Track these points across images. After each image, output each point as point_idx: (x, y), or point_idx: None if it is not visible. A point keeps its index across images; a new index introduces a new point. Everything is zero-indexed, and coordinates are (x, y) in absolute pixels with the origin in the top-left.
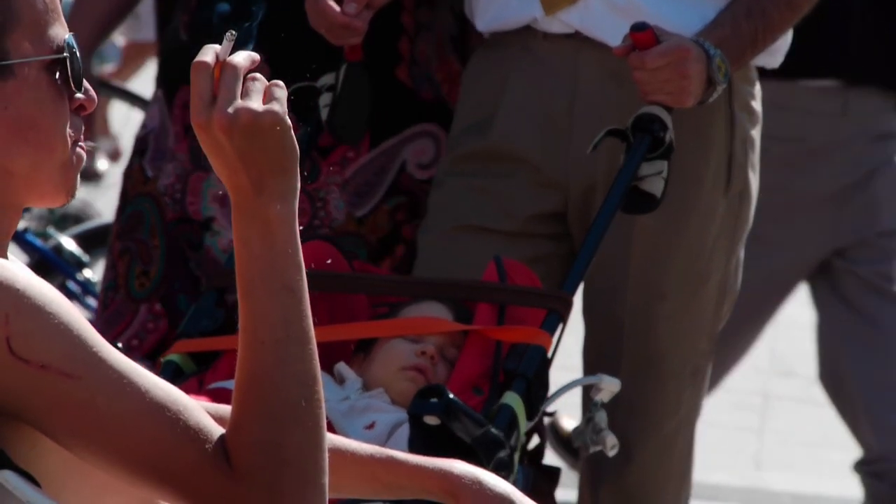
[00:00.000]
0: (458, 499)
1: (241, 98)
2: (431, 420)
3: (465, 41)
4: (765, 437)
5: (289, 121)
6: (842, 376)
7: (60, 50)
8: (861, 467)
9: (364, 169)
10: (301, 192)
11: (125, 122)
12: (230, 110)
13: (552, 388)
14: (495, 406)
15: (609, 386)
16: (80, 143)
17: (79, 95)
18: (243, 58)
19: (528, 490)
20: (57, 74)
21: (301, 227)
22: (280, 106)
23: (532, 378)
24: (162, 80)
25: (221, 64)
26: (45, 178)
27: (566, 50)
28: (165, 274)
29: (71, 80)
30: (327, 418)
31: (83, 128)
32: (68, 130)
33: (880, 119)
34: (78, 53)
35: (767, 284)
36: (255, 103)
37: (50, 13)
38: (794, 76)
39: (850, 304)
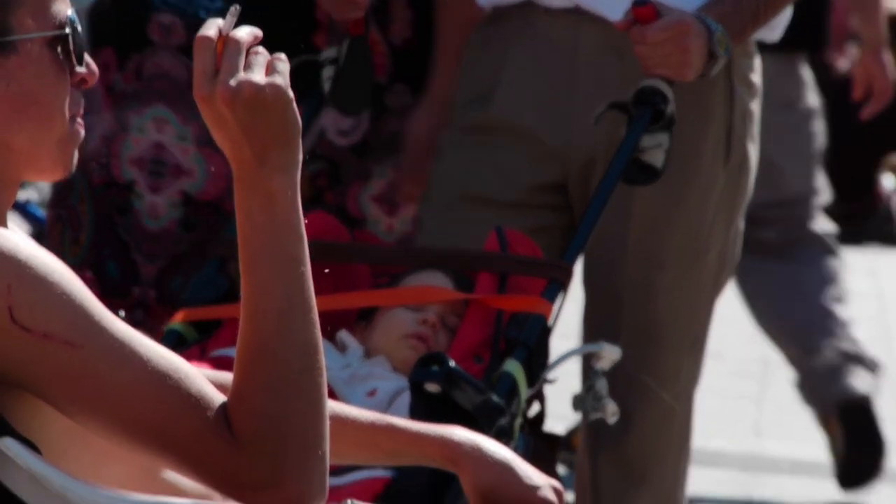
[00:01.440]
0: (458, 465)
1: (244, 71)
2: (432, 387)
3: (387, 10)
4: (764, 405)
5: (291, 94)
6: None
7: (63, 25)
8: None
9: None
10: (218, 154)
11: None
12: (233, 83)
13: (552, 357)
14: (496, 374)
15: (609, 354)
16: (77, 119)
17: (80, 69)
18: (246, 32)
19: (528, 457)
20: (59, 50)
21: (217, 191)
22: (282, 79)
23: (533, 346)
24: (90, 43)
25: (224, 38)
26: (45, 153)
27: (567, 24)
28: (94, 240)
29: (73, 55)
30: (329, 385)
31: (82, 102)
32: (67, 105)
33: (783, 86)
34: (80, 29)
35: None
36: (258, 76)
37: None
38: None
39: (755, 267)
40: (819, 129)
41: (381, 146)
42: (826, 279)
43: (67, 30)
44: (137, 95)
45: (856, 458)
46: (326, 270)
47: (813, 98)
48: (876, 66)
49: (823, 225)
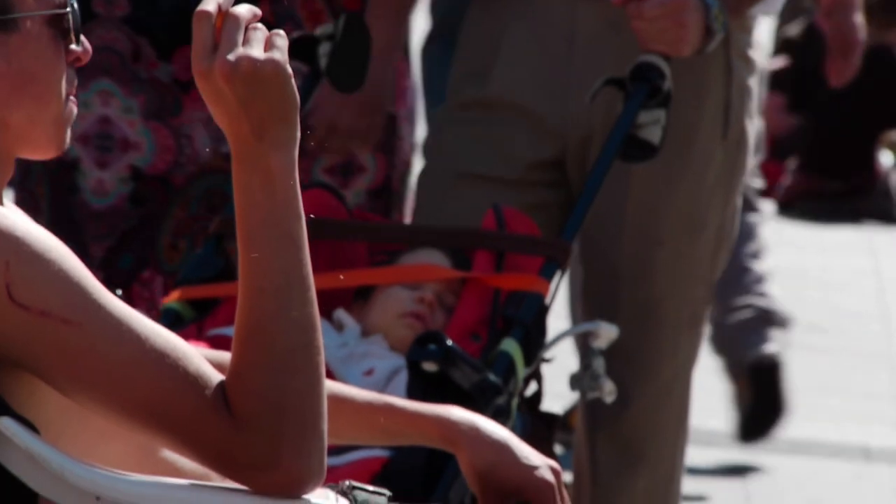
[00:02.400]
0: (455, 445)
1: (243, 47)
2: (429, 366)
3: None
4: None
5: (289, 69)
6: None
7: (64, 4)
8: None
9: None
10: (165, 127)
11: None
12: (231, 58)
13: (550, 335)
14: (493, 353)
15: (607, 333)
16: (71, 97)
17: (75, 48)
18: (245, 9)
19: (525, 436)
20: (57, 28)
21: (165, 165)
22: (281, 54)
23: (530, 325)
24: None
25: (224, 14)
26: (41, 131)
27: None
28: (51, 223)
29: (71, 33)
30: (326, 365)
31: (75, 81)
32: (64, 84)
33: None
34: (76, 6)
35: None
36: (257, 51)
37: None
38: None
39: None
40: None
41: None
42: (743, 235)
43: (68, 8)
44: (81, 69)
45: (759, 416)
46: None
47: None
48: (847, 27)
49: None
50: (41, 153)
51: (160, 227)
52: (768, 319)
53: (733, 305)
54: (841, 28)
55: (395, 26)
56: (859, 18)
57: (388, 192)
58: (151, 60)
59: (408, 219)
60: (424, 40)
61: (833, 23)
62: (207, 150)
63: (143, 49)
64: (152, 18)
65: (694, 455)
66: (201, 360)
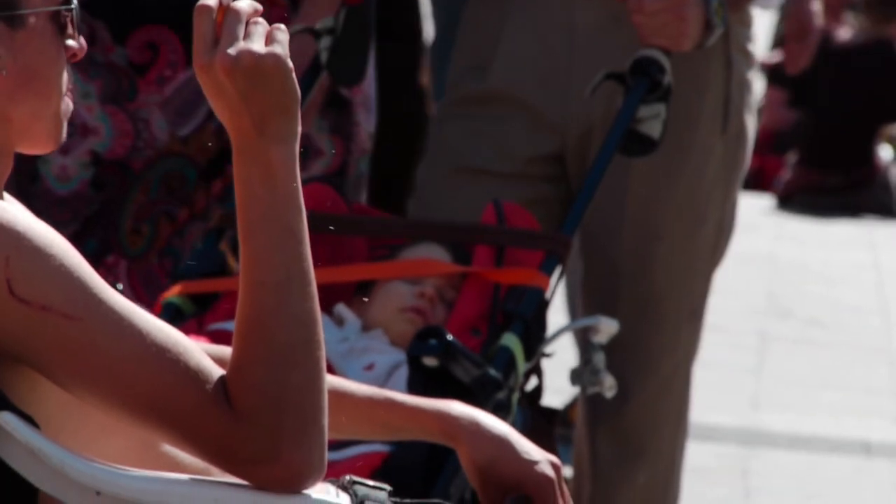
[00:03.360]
0: (456, 440)
1: (244, 40)
2: (430, 361)
3: None
4: (762, 378)
5: (290, 63)
6: None
7: (67, 0)
8: None
9: (183, 87)
10: (122, 112)
11: None
12: (233, 52)
13: (549, 330)
14: (493, 347)
15: (607, 328)
16: (67, 92)
17: (72, 44)
18: (246, 3)
19: (526, 431)
20: (58, 24)
21: (123, 149)
22: (282, 48)
23: (530, 319)
24: None
25: (224, 8)
26: (41, 127)
27: None
28: None
29: (75, 29)
30: (326, 359)
31: (71, 76)
32: (64, 80)
33: None
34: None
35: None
36: (258, 45)
37: None
38: None
39: None
40: None
41: None
42: None
43: (73, 4)
44: None
45: None
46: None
47: None
48: (803, 14)
49: None
50: (39, 148)
51: (122, 212)
52: None
53: None
54: (797, 14)
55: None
56: (816, 6)
57: (343, 177)
58: (107, 44)
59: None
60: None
61: (791, 9)
62: (164, 133)
63: (99, 33)
64: (107, 1)
65: (693, 449)
66: (202, 354)
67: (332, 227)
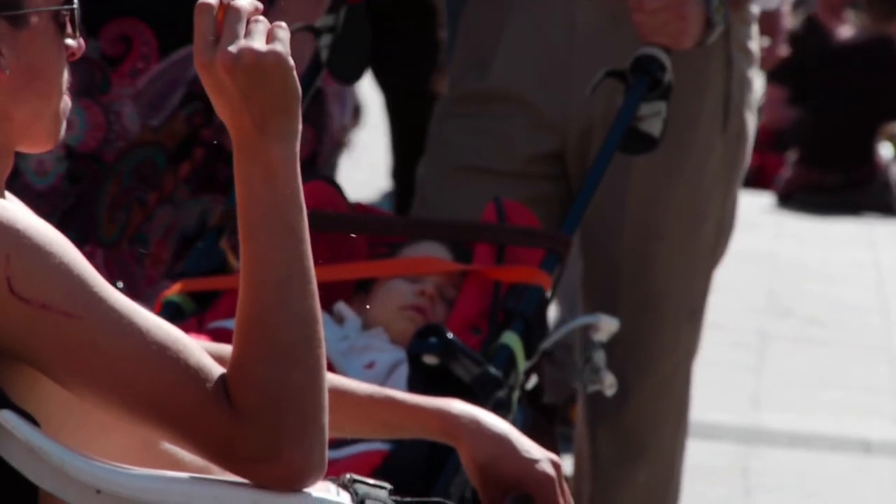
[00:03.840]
0: (456, 438)
1: (245, 38)
2: (430, 359)
3: None
4: (762, 377)
5: (291, 62)
6: None
7: (69, 1)
8: None
9: (156, 79)
10: (96, 105)
11: None
12: (234, 50)
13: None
14: (494, 346)
15: (607, 326)
16: (65, 91)
17: (71, 43)
18: (247, 2)
19: (526, 429)
20: (59, 23)
21: (95, 142)
22: (283, 46)
23: (531, 318)
24: None
25: (225, 6)
26: (41, 126)
27: None
28: None
29: (75, 28)
30: (327, 358)
31: (68, 76)
32: (63, 79)
33: None
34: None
35: None
36: (259, 43)
37: None
38: None
39: None
40: None
41: None
42: None
43: (75, 3)
44: None
45: None
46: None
47: None
48: (772, 12)
49: None
50: (39, 147)
51: (97, 204)
52: None
53: None
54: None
55: (313, 7)
56: (786, 6)
57: (312, 167)
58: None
59: None
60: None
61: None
62: (136, 125)
63: None
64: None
65: (694, 448)
66: (202, 352)
67: (332, 226)
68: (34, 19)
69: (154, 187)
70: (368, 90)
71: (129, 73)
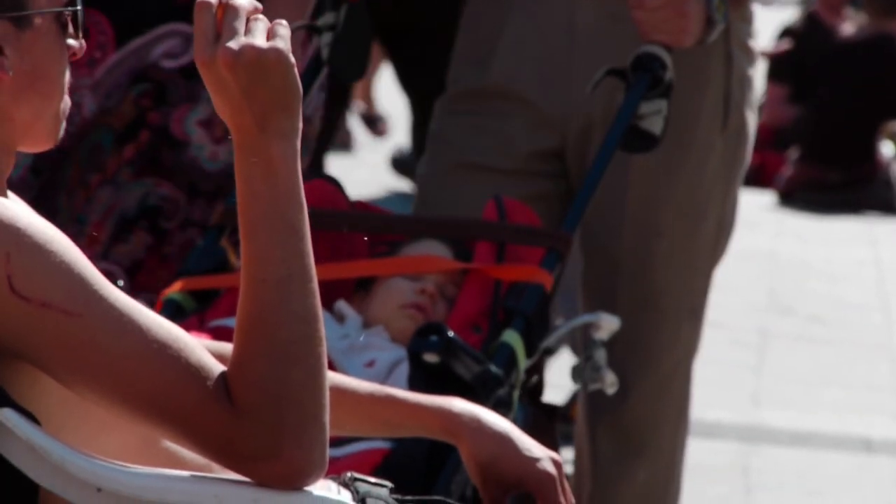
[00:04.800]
0: (457, 437)
1: (245, 36)
2: (431, 358)
3: None
4: (762, 375)
5: (292, 59)
6: None
7: (73, 2)
8: None
9: (113, 69)
10: None
11: None
12: (234, 46)
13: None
14: (494, 344)
15: (608, 324)
16: (66, 91)
17: (73, 43)
18: (246, 1)
19: (527, 428)
20: (61, 23)
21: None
22: (284, 43)
23: (531, 316)
24: None
25: (224, 5)
26: (41, 126)
27: None
28: None
29: (77, 30)
30: (327, 356)
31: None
32: (65, 79)
33: None
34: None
35: None
36: (260, 40)
37: None
38: None
39: None
40: None
41: None
42: None
43: (78, 5)
44: None
45: None
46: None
47: None
48: None
49: None
50: (39, 146)
51: (58, 193)
52: None
53: None
54: None
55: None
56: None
57: None
58: None
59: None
60: None
61: None
62: (93, 114)
63: None
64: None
65: (694, 446)
66: (203, 350)
67: (333, 224)
68: (38, 20)
69: (99, 168)
70: (385, 94)
71: (87, 63)
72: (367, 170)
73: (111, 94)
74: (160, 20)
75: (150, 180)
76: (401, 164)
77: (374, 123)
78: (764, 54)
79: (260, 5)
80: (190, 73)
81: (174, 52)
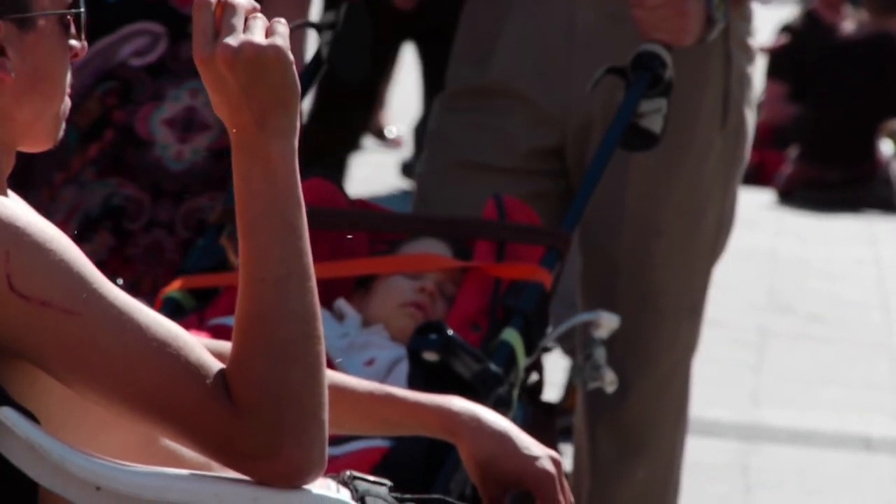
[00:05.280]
0: (456, 436)
1: (244, 33)
2: (430, 356)
3: None
4: (762, 374)
5: (291, 56)
6: None
7: (77, 3)
8: None
9: (80, 68)
10: None
11: None
12: (234, 43)
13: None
14: (494, 342)
15: (608, 322)
16: (67, 92)
17: (75, 43)
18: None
19: (526, 426)
20: (65, 25)
21: None
22: (283, 41)
23: (531, 314)
24: None
25: (223, 4)
26: (41, 126)
27: None
28: None
29: (80, 31)
30: (327, 355)
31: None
32: (67, 80)
33: None
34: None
35: None
36: (259, 37)
37: None
38: None
39: None
40: None
41: (179, 69)
42: None
43: (82, 8)
44: None
45: None
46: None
47: None
48: None
49: None
50: (38, 146)
51: (23, 189)
52: None
53: None
54: None
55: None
56: None
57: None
58: None
59: None
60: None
61: None
62: None
63: None
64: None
65: (693, 445)
66: (202, 349)
67: (332, 222)
68: (41, 22)
69: (63, 167)
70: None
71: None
72: (370, 168)
73: (77, 92)
74: (128, 19)
75: (115, 180)
76: (410, 169)
77: (386, 136)
78: (762, 50)
79: (258, 5)
80: (156, 70)
81: (142, 50)
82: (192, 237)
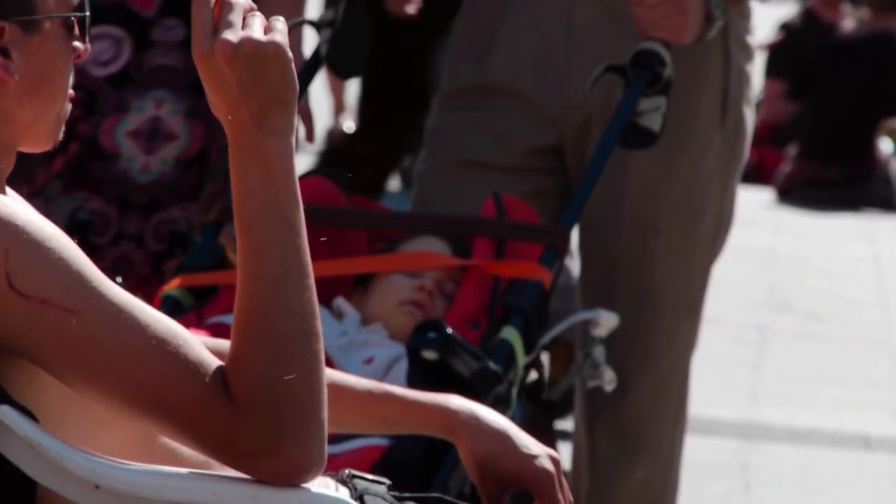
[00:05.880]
0: (455, 434)
1: (243, 30)
2: (429, 354)
3: None
4: (761, 372)
5: (290, 53)
6: None
7: (81, 7)
8: None
9: None
10: None
11: None
12: (233, 38)
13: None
14: (493, 341)
15: (607, 321)
16: (69, 95)
17: (79, 45)
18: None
19: (525, 425)
20: (69, 27)
21: None
22: (282, 37)
23: (530, 313)
24: None
25: (221, 2)
26: (42, 128)
27: None
28: None
29: (84, 34)
30: (326, 353)
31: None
32: (69, 82)
33: None
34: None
35: None
36: (258, 34)
37: None
38: None
39: None
40: None
41: (143, 79)
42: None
43: (86, 11)
44: None
45: None
46: (323, 239)
47: None
48: None
49: None
50: (38, 147)
51: None
52: None
53: None
54: None
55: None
56: None
57: (202, 163)
58: None
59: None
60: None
61: None
62: None
63: None
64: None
65: (693, 443)
66: (201, 347)
67: (331, 221)
68: (46, 25)
69: (28, 180)
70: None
71: None
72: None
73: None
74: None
75: (81, 195)
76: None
77: None
78: (760, 47)
79: (255, 5)
80: (120, 81)
81: (103, 57)
82: (166, 249)
